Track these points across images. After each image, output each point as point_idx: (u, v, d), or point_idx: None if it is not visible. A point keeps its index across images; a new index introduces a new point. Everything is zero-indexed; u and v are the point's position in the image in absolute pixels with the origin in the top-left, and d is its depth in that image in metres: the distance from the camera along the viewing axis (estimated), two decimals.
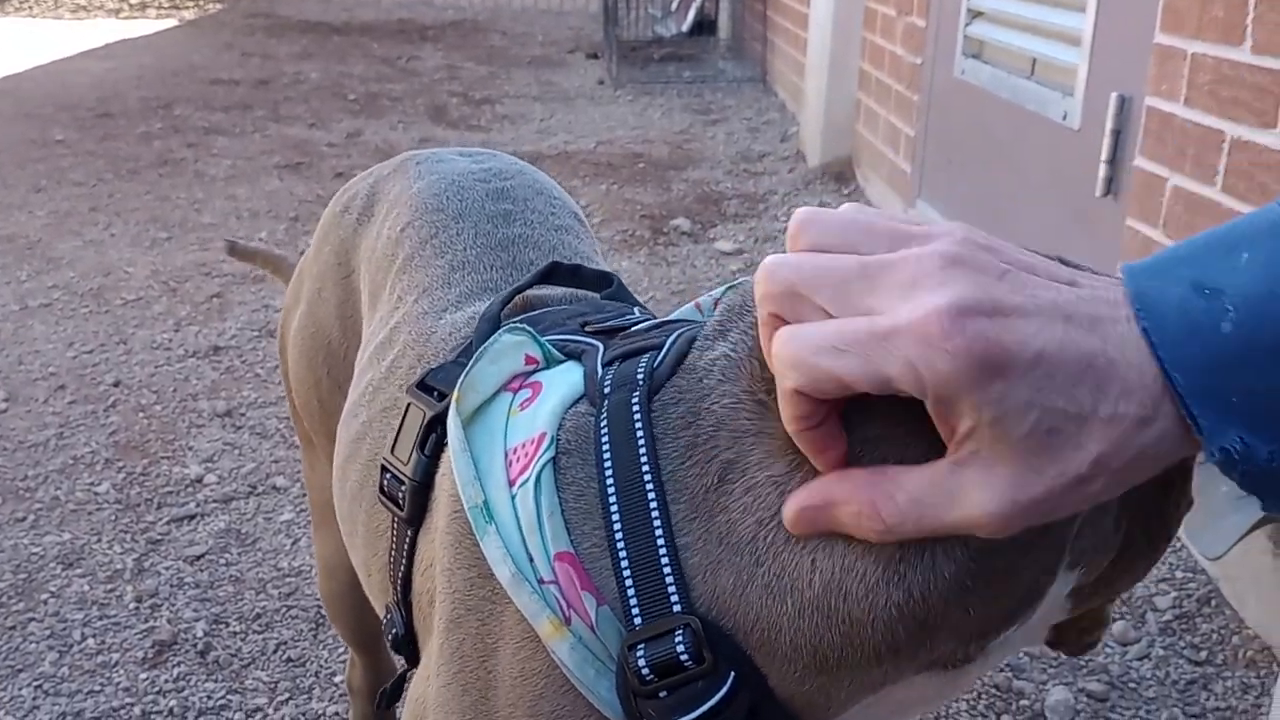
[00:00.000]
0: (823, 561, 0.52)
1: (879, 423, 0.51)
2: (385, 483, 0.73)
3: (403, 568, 0.72)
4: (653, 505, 0.55)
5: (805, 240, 0.50)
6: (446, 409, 0.68)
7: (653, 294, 3.08)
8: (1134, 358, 0.44)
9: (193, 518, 2.06)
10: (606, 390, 0.60)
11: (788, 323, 0.49)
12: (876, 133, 3.78)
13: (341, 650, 1.70)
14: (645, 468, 0.56)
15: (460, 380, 0.65)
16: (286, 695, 1.63)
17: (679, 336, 0.61)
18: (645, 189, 4.10)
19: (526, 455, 0.60)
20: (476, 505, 0.60)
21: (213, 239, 3.57)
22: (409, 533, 0.71)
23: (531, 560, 0.57)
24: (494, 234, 0.94)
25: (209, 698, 1.62)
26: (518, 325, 0.68)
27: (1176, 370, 0.43)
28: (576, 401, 0.62)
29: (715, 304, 0.73)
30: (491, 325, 0.75)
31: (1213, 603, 1.79)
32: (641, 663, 0.54)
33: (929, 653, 0.54)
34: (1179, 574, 1.85)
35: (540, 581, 0.57)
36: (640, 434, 0.57)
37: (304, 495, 2.10)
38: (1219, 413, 0.43)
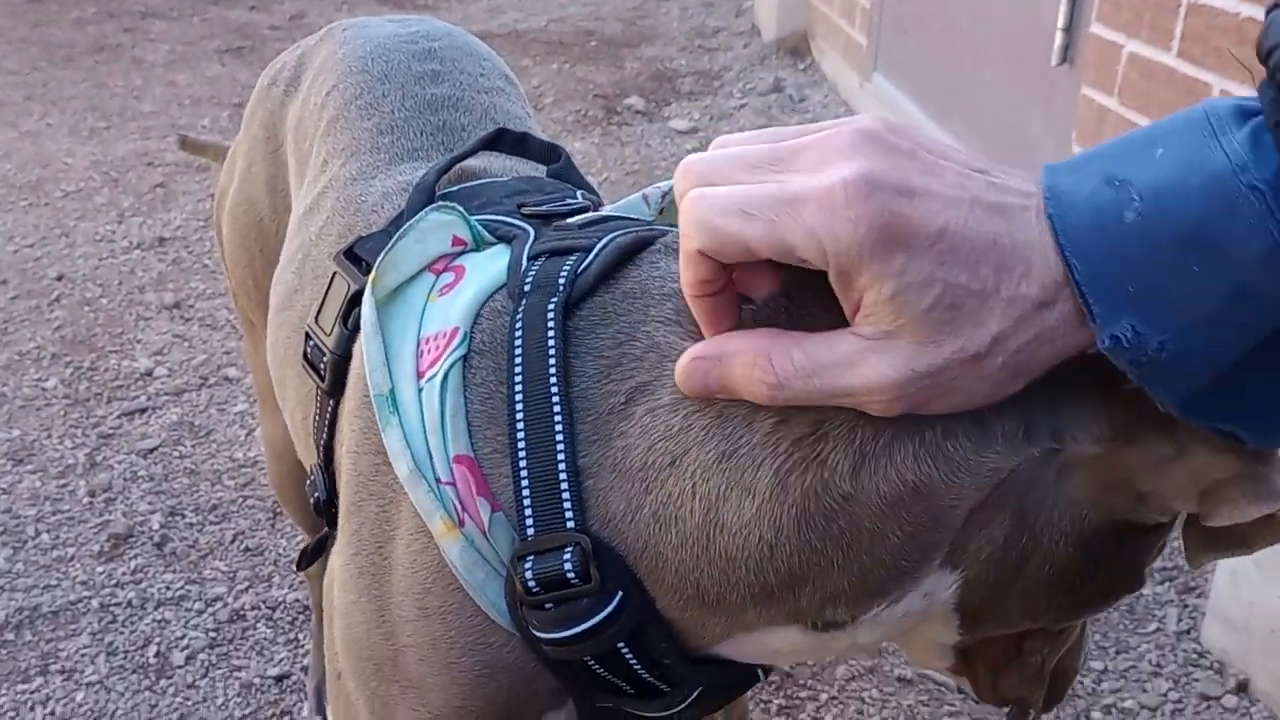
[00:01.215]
0: (702, 488, 0.52)
1: (784, 300, 0.51)
2: (309, 350, 0.72)
3: (325, 435, 0.72)
4: (557, 422, 0.55)
5: (718, 145, 0.50)
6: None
7: (607, 175, 3.03)
8: (1038, 243, 0.45)
9: (144, 411, 2.04)
10: (526, 289, 0.59)
11: None
12: (832, 5, 3.70)
13: (299, 538, 1.70)
14: (553, 383, 0.56)
15: (380, 258, 0.63)
16: (246, 584, 1.64)
17: (611, 240, 0.60)
18: (598, 67, 4.02)
19: (438, 348, 0.59)
20: (382, 394, 0.59)
21: (154, 128, 3.47)
22: (330, 403, 0.71)
23: (431, 458, 0.57)
24: (421, 95, 0.91)
25: (167, 589, 1.62)
26: (448, 205, 0.66)
27: (1076, 257, 0.44)
28: (496, 293, 0.60)
29: (663, 196, 0.72)
30: (425, 196, 0.72)
31: None
32: (529, 575, 0.55)
33: (796, 602, 0.54)
34: None
35: (438, 481, 0.57)
36: (552, 347, 0.56)
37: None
38: (1113, 300, 0.44)
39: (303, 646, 1.52)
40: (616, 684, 0.59)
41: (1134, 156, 0.45)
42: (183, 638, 1.54)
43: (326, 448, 0.72)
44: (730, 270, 0.50)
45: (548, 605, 0.56)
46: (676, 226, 0.57)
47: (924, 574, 0.53)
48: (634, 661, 0.58)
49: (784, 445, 0.51)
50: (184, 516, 1.77)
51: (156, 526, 1.74)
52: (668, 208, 0.72)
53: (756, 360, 0.49)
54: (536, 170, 0.85)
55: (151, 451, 1.92)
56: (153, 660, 1.50)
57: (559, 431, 0.55)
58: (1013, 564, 0.53)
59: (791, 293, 0.52)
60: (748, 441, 0.52)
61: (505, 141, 0.81)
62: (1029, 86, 2.34)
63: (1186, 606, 1.52)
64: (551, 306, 0.57)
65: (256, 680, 1.47)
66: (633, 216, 0.68)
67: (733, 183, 0.47)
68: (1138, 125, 1.99)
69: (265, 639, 1.54)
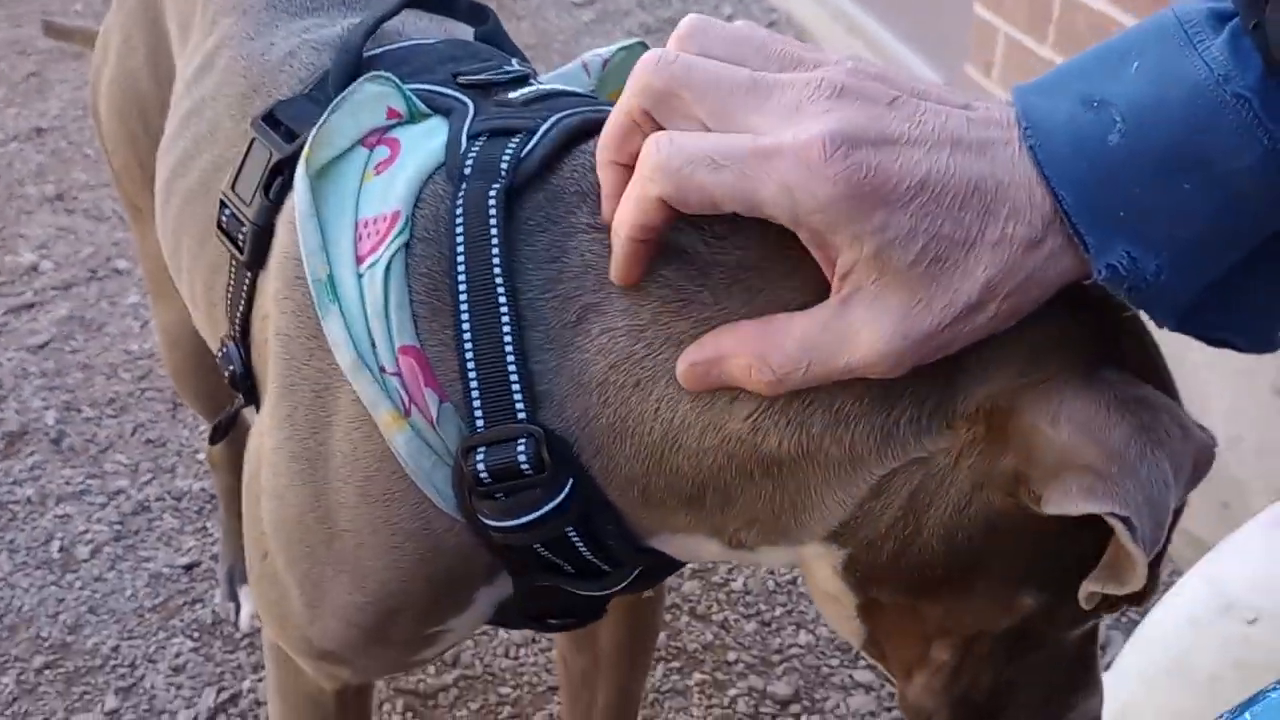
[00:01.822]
0: (666, 413, 0.52)
1: (760, 274, 0.50)
2: (224, 219, 0.68)
3: (241, 308, 0.69)
4: (503, 315, 0.54)
5: (693, 46, 0.47)
6: (295, 154, 0.63)
7: None
8: (1023, 178, 0.43)
9: (31, 306, 1.97)
10: (467, 172, 0.56)
11: (656, 122, 0.47)
12: None
13: (202, 427, 1.66)
14: (497, 275, 0.54)
15: (313, 133, 0.59)
16: (149, 476, 1.60)
17: (556, 122, 0.57)
18: None
19: (378, 233, 0.57)
20: (320, 280, 0.57)
21: (24, 14, 3.28)
22: (248, 275, 0.68)
23: (375, 347, 0.56)
24: None
25: (67, 484, 1.58)
26: (382, 75, 0.62)
27: (1064, 188, 0.42)
28: (435, 173, 0.58)
29: (604, 64, 0.69)
30: (352, 58, 0.68)
31: None
32: (480, 466, 0.54)
33: (722, 519, 0.55)
34: None
35: (381, 370, 0.56)
36: (495, 238, 0.54)
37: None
38: (1106, 228, 0.42)
39: (211, 535, 1.50)
40: (560, 565, 0.59)
41: (1108, 72, 0.43)
42: (85, 532, 1.50)
43: (243, 321, 0.69)
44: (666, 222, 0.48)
45: (499, 495, 0.55)
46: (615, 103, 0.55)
47: (819, 533, 0.54)
48: (581, 546, 0.58)
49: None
50: (80, 411, 1.72)
51: (52, 422, 1.69)
52: (609, 76, 0.70)
53: (752, 361, 0.48)
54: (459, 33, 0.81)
55: (42, 347, 1.86)
56: (56, 555, 1.47)
57: (505, 325, 0.54)
58: (895, 549, 0.52)
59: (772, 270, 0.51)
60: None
61: (430, 1, 0.76)
62: None
63: None
64: (493, 193, 0.55)
65: (165, 570, 1.45)
66: (572, 90, 0.64)
67: (702, 102, 0.45)
68: None
69: (172, 529, 1.51)
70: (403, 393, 0.56)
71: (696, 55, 0.47)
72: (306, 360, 0.61)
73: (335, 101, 0.61)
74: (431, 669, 1.32)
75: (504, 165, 0.56)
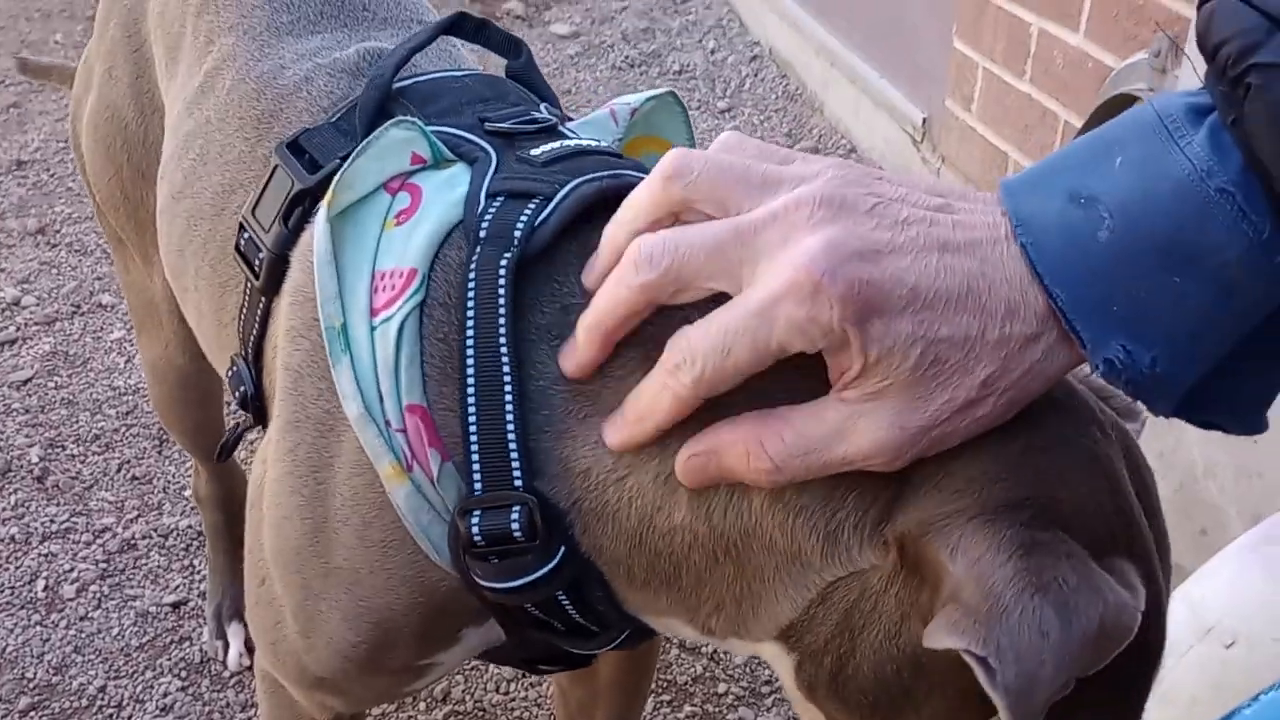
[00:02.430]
0: (638, 498, 0.54)
1: (765, 373, 0.50)
2: (242, 242, 0.69)
3: (255, 330, 0.70)
4: (507, 386, 0.55)
5: (673, 193, 0.48)
6: (316, 186, 0.64)
7: None
8: (1015, 276, 0.44)
9: (14, 342, 1.95)
10: (482, 235, 0.57)
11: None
12: None
13: (188, 463, 1.65)
14: (503, 347, 0.55)
15: (338, 177, 0.60)
16: (135, 513, 1.59)
17: (573, 190, 0.58)
18: None
19: (394, 288, 0.58)
20: (334, 327, 0.58)
21: (3, 44, 3.28)
22: (263, 300, 0.69)
23: (382, 401, 0.57)
24: None
25: (52, 522, 1.57)
26: (409, 120, 0.63)
27: (1057, 285, 0.43)
28: (453, 230, 0.59)
29: (631, 113, 0.70)
30: (381, 93, 0.68)
31: None
32: (475, 529, 0.56)
33: (696, 605, 0.56)
34: None
35: (387, 424, 0.57)
36: (502, 310, 0.55)
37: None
38: (1101, 323, 0.43)
39: (198, 573, 1.49)
40: (551, 623, 0.61)
41: (1093, 168, 0.44)
42: (71, 570, 1.49)
43: (256, 343, 0.70)
44: None
45: (492, 558, 0.56)
46: (640, 166, 0.59)
47: (772, 630, 0.54)
48: (571, 609, 0.59)
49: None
50: (64, 448, 1.71)
51: (35, 460, 1.68)
52: (638, 122, 0.71)
53: (750, 449, 0.48)
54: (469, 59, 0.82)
55: (25, 383, 1.85)
56: (41, 594, 1.46)
57: (508, 396, 0.55)
58: (833, 665, 0.52)
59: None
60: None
61: (464, 28, 0.75)
62: None
63: None
64: (504, 263, 0.56)
65: (152, 609, 1.44)
66: (597, 144, 0.64)
67: (698, 278, 0.47)
68: (1017, 18, 2.01)
69: (159, 567, 1.50)
70: (406, 449, 0.57)
71: (681, 202, 0.48)
72: (315, 400, 0.62)
73: (361, 145, 0.61)
74: (422, 704, 1.32)
75: (517, 233, 0.56)
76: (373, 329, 0.57)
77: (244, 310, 0.71)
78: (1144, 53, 1.56)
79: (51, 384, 1.85)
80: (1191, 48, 1.32)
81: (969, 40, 2.07)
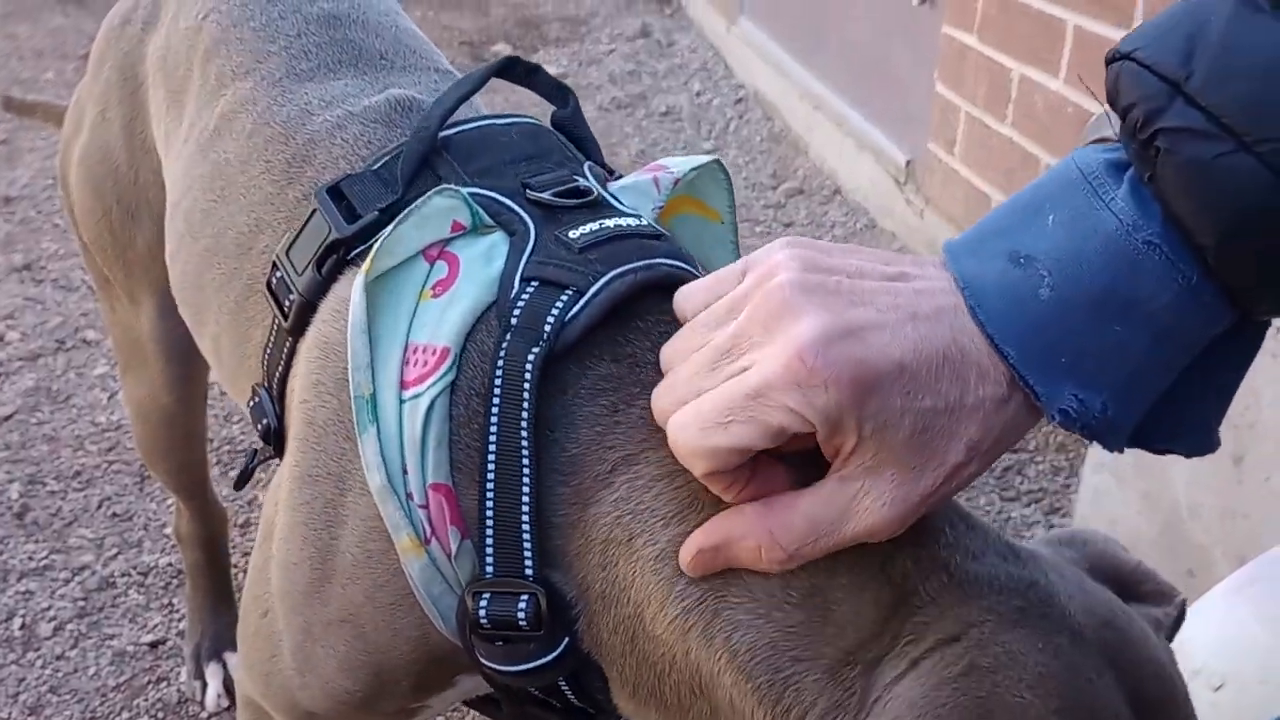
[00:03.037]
0: (638, 582, 0.54)
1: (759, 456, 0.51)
2: (274, 280, 0.70)
3: (280, 369, 0.70)
4: (525, 485, 0.56)
5: (690, 310, 0.53)
6: (353, 236, 0.65)
7: None
8: (979, 341, 0.46)
9: None
10: (513, 322, 0.58)
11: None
12: None
13: (170, 501, 1.64)
14: (524, 440, 0.56)
15: (379, 243, 0.60)
16: (115, 551, 1.58)
17: (606, 284, 0.58)
18: (463, 14, 3.94)
19: (425, 365, 0.58)
20: (363, 396, 0.58)
21: None
22: (290, 340, 0.69)
23: (405, 475, 0.58)
24: (321, 15, 0.87)
25: (30, 559, 1.56)
26: (452, 189, 0.63)
27: (1007, 344, 0.45)
28: (487, 310, 0.59)
29: (674, 183, 0.70)
30: (426, 147, 0.68)
31: None
32: (483, 612, 0.57)
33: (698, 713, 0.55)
34: None
35: (409, 497, 0.58)
36: (526, 404, 0.56)
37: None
38: (1051, 376, 0.45)
39: (178, 611, 1.48)
40: (551, 704, 0.61)
41: (1027, 227, 0.46)
42: (48, 609, 1.48)
43: (281, 381, 0.71)
44: (747, 459, 0.50)
45: (497, 642, 0.58)
46: (676, 251, 0.61)
47: None
48: (570, 695, 0.60)
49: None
50: (45, 484, 1.70)
51: (15, 496, 1.67)
52: (681, 191, 0.71)
53: (762, 541, 0.50)
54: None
55: (7, 419, 1.84)
56: (18, 633, 1.44)
57: (525, 489, 0.56)
58: None
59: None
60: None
61: (515, 72, 0.75)
62: (892, 26, 2.37)
63: (1052, 526, 1.58)
64: (531, 358, 0.57)
65: (130, 648, 1.43)
66: (635, 224, 0.64)
67: (701, 393, 0.49)
68: (998, 64, 2.03)
69: (138, 605, 1.49)
70: (426, 524, 0.58)
71: (692, 314, 0.52)
72: (336, 458, 0.63)
73: (405, 212, 0.61)
74: None
75: (548, 327, 0.57)
76: (402, 402, 0.58)
77: (269, 347, 0.71)
78: None
79: (33, 420, 1.85)
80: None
81: (951, 85, 2.09)
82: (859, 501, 0.47)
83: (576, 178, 0.67)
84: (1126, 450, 0.48)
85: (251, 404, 0.73)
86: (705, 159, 0.71)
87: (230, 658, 1.36)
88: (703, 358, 0.50)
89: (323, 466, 0.63)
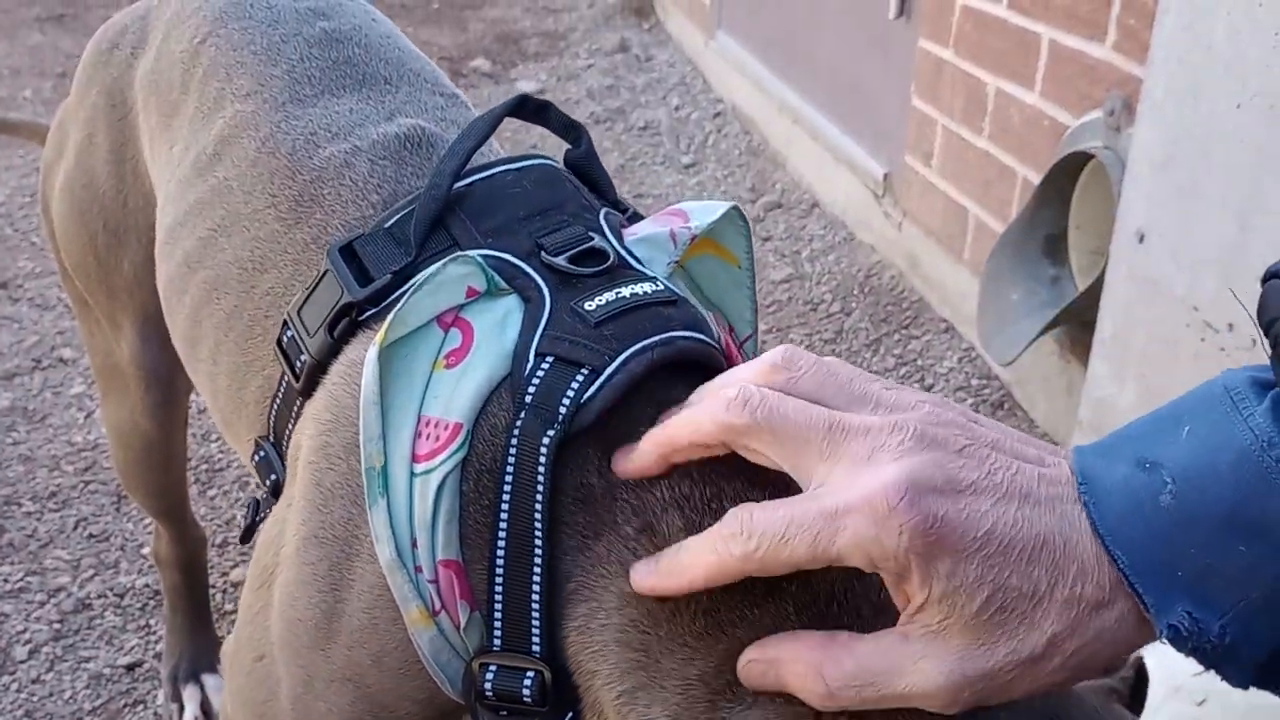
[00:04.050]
0: (622, 683, 0.54)
1: (837, 587, 0.51)
2: (285, 339, 0.69)
3: (290, 426, 0.70)
4: (536, 567, 0.56)
5: (782, 377, 0.49)
6: (365, 300, 0.64)
7: None
8: (1088, 539, 0.44)
9: None
10: (527, 400, 0.57)
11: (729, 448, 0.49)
12: None
13: (147, 522, 1.63)
14: (537, 529, 0.56)
15: (393, 313, 0.59)
16: (91, 572, 1.57)
17: (622, 366, 0.57)
18: (441, 30, 3.95)
19: (438, 440, 0.58)
20: (374, 469, 0.58)
21: None
22: (300, 401, 0.68)
23: (415, 549, 0.57)
24: (321, 39, 0.85)
25: (5, 581, 1.54)
26: (467, 255, 0.62)
27: (1118, 547, 0.43)
28: (501, 384, 0.58)
29: (691, 239, 0.68)
30: (439, 205, 0.66)
31: (1005, 406, 1.89)
32: (489, 684, 0.57)
33: None
34: (974, 381, 1.94)
35: (418, 570, 0.57)
36: (540, 488, 0.56)
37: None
38: (1164, 587, 0.43)
39: (155, 633, 1.47)
40: None
41: (1162, 437, 0.44)
42: (24, 632, 1.47)
43: (289, 436, 0.70)
44: None
45: (502, 712, 0.58)
46: (694, 322, 0.60)
47: None
48: None
49: (694, 687, 0.52)
50: (20, 505, 1.69)
51: None
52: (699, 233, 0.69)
53: (808, 672, 0.48)
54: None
55: None
56: None
57: (536, 569, 0.56)
58: None
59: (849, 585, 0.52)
60: (662, 669, 0.53)
61: (526, 110, 0.73)
62: (868, 40, 2.38)
63: None
64: (546, 441, 0.56)
65: (106, 670, 1.41)
66: (652, 291, 0.62)
67: (780, 441, 0.47)
68: (974, 77, 2.04)
69: (114, 627, 1.48)
70: (435, 597, 0.58)
71: (782, 389, 0.49)
72: (343, 523, 0.62)
73: (418, 282, 0.60)
74: None
75: (563, 409, 0.56)
76: (413, 476, 0.58)
77: (277, 401, 0.70)
78: (1098, 111, 1.59)
79: (9, 440, 1.83)
80: (1144, 108, 1.35)
81: (928, 99, 2.10)
82: (916, 663, 0.45)
83: (592, 235, 0.65)
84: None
85: (257, 458, 0.72)
86: (724, 207, 0.70)
87: (208, 680, 1.35)
88: (803, 420, 0.47)
89: (330, 530, 0.63)
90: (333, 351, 0.66)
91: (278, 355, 0.70)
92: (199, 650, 1.37)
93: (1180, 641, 0.43)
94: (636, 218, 0.72)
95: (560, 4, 4.22)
